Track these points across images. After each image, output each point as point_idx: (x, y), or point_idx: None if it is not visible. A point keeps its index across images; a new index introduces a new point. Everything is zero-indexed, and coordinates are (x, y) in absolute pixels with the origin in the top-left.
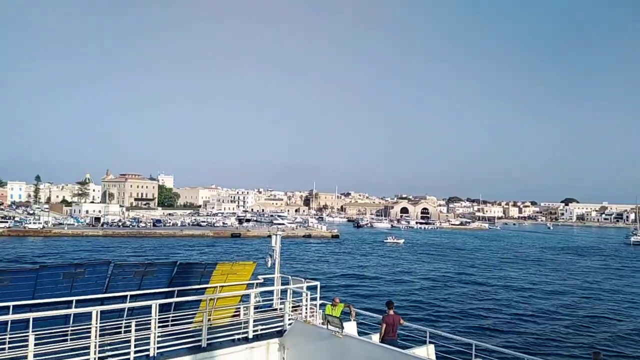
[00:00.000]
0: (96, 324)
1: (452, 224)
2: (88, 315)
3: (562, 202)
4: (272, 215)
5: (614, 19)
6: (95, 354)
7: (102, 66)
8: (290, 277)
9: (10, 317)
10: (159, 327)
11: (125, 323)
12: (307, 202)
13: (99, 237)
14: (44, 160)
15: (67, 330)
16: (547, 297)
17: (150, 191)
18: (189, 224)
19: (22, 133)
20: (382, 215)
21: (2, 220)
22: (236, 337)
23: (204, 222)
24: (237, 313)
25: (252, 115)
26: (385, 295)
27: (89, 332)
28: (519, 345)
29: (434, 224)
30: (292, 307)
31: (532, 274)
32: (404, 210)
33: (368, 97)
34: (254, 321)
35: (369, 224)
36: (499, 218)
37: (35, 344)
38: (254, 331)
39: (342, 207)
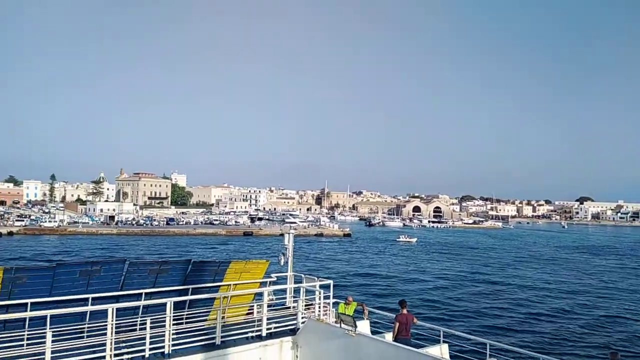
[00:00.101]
0: (112, 321)
1: (465, 223)
2: (104, 313)
3: (576, 200)
4: (284, 214)
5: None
6: (111, 350)
7: (112, 65)
8: (303, 275)
9: (28, 314)
10: (173, 324)
11: (141, 320)
12: (318, 200)
13: (113, 236)
14: (59, 159)
15: (84, 328)
16: (562, 296)
17: (163, 190)
18: (201, 222)
19: (38, 133)
20: (394, 214)
21: (19, 218)
22: (250, 335)
23: (217, 220)
24: (251, 311)
25: (264, 115)
26: (398, 294)
27: (105, 329)
28: (534, 345)
29: (446, 223)
30: (305, 305)
31: (546, 273)
32: (416, 209)
33: (380, 96)
34: (267, 319)
35: (381, 223)
36: (513, 217)
37: (53, 341)
38: (267, 329)
39: (353, 205)
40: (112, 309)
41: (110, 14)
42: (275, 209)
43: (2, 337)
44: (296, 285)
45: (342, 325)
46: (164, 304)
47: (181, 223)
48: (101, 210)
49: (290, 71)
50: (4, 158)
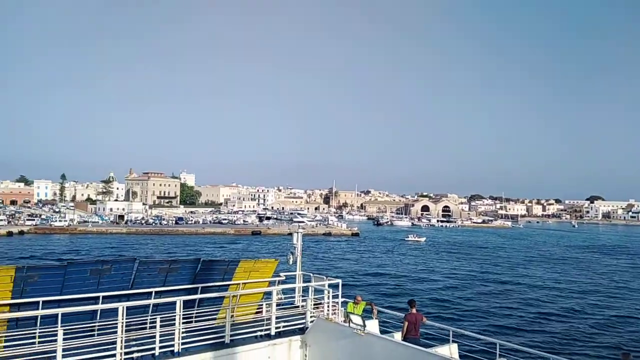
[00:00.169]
0: (122, 319)
1: (474, 222)
2: (114, 311)
3: (587, 199)
4: (292, 213)
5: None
6: (121, 349)
7: (118, 65)
8: (312, 274)
9: (39, 312)
10: (183, 323)
11: (150, 319)
12: (326, 200)
13: (123, 235)
14: (70, 159)
15: (94, 326)
16: (573, 296)
17: (172, 189)
18: (210, 221)
19: (48, 133)
20: (402, 214)
21: (29, 218)
22: (259, 333)
23: (225, 219)
24: (260, 310)
25: (272, 114)
26: (407, 294)
27: (115, 327)
28: (544, 345)
29: (455, 222)
30: (314, 304)
31: (556, 273)
32: (425, 208)
33: (388, 95)
34: (276, 318)
35: (389, 222)
36: (522, 216)
37: (64, 339)
38: (276, 328)
39: (362, 205)
40: (123, 307)
41: (116, 14)
42: (283, 208)
43: (15, 334)
44: (305, 285)
45: (351, 325)
46: (174, 303)
47: (190, 222)
48: (111, 209)
49: (297, 71)
50: (15, 158)
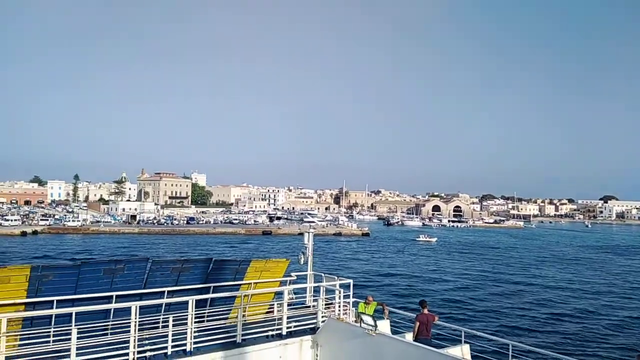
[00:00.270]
0: (135, 318)
1: (485, 222)
2: (127, 310)
3: (600, 199)
4: (302, 213)
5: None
6: (134, 348)
7: (129, 66)
8: (323, 274)
9: (54, 311)
10: (195, 322)
11: (163, 318)
12: (337, 200)
13: (135, 235)
14: (83, 159)
15: (108, 325)
16: (586, 296)
17: (184, 189)
18: (221, 221)
19: (61, 134)
20: (413, 213)
21: (43, 218)
22: (270, 333)
23: (236, 219)
24: (271, 310)
25: (283, 114)
26: (418, 294)
27: (128, 326)
28: (557, 347)
29: (467, 222)
30: (325, 304)
31: (569, 274)
32: (436, 208)
33: (397, 95)
34: (288, 318)
35: (400, 222)
36: (535, 216)
37: (78, 338)
38: (287, 328)
39: (372, 205)
40: (136, 306)
41: (124, 14)
42: (293, 208)
43: (30, 333)
44: (316, 284)
45: (362, 325)
46: (186, 302)
47: (201, 222)
48: (123, 209)
49: (310, 71)
50: (29, 158)
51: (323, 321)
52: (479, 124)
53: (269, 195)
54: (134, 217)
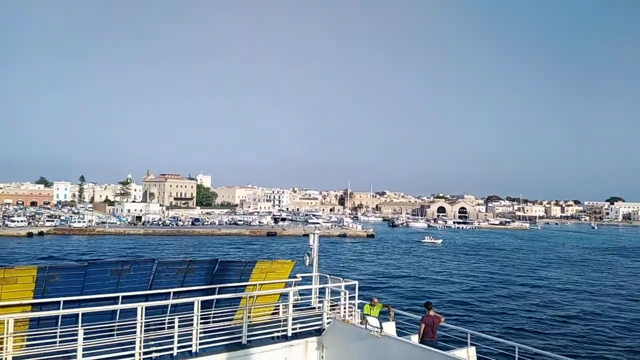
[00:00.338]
0: (141, 319)
1: (491, 224)
2: (133, 311)
3: (606, 201)
4: (307, 215)
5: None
6: (140, 349)
7: (132, 67)
8: (328, 276)
9: (61, 312)
10: (200, 323)
11: (169, 319)
12: (341, 201)
13: (140, 236)
14: (88, 160)
15: (114, 326)
16: (593, 298)
17: (189, 191)
18: (226, 222)
19: (66, 135)
20: (418, 215)
21: (49, 219)
22: (275, 335)
23: (241, 221)
24: (276, 311)
25: (287, 115)
26: (424, 296)
27: (135, 327)
28: (564, 349)
29: (472, 224)
30: (331, 306)
31: (576, 275)
32: (441, 209)
33: (401, 96)
34: (293, 319)
35: (405, 224)
36: (541, 217)
37: (84, 338)
38: (292, 329)
39: (377, 206)
40: (142, 307)
41: (124, 14)
42: (298, 209)
43: (36, 334)
44: (321, 286)
45: (368, 327)
46: (192, 303)
47: (206, 223)
48: (128, 210)
49: (309, 70)
50: (36, 160)
51: (328, 323)
52: (484, 124)
53: (274, 197)
54: (139, 218)
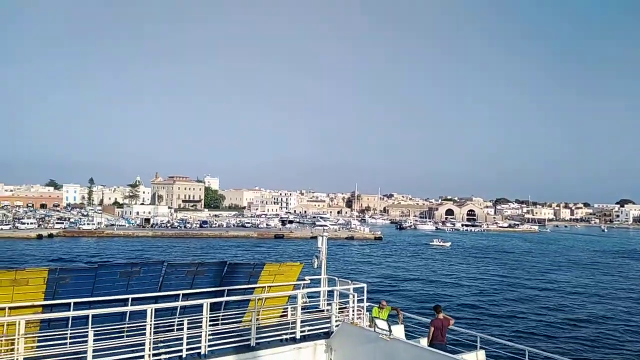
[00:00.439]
0: (151, 321)
1: (499, 226)
2: (143, 313)
3: (617, 203)
4: (314, 217)
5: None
6: (149, 350)
7: (140, 69)
8: (336, 278)
9: (71, 313)
10: (209, 325)
11: (178, 321)
12: (349, 203)
13: (149, 238)
14: (98, 161)
15: (124, 327)
16: (603, 302)
17: (197, 193)
18: (234, 225)
19: (77, 138)
20: (426, 217)
21: (59, 221)
22: (284, 337)
23: (249, 223)
24: (285, 313)
25: (294, 117)
26: (433, 299)
27: (144, 329)
28: (574, 353)
29: (480, 227)
30: (339, 308)
31: (586, 279)
32: (449, 212)
33: (408, 98)
34: (301, 322)
35: (413, 226)
36: (550, 220)
37: (94, 340)
38: (301, 332)
39: (384, 208)
40: (151, 309)
41: (139, 15)
42: (305, 211)
43: (47, 335)
44: (330, 288)
45: (377, 330)
46: (201, 305)
47: (214, 226)
48: (137, 213)
49: (316, 72)
50: (45, 162)
51: (337, 325)
52: (493, 127)
53: (281, 199)
54: (147, 220)
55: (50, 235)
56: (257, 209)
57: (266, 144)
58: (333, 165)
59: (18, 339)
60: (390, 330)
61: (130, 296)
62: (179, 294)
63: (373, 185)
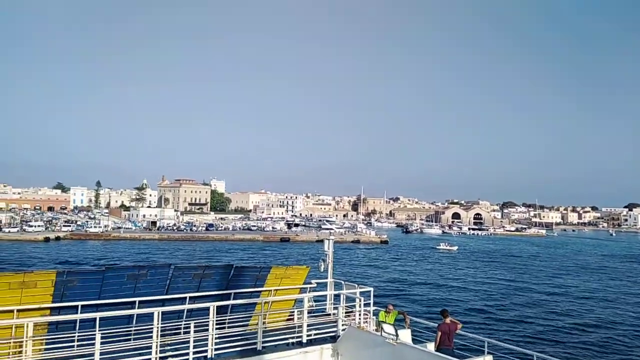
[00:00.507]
0: (157, 324)
1: (506, 230)
2: (150, 316)
3: (625, 207)
4: (320, 220)
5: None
6: (156, 353)
7: (147, 75)
8: (343, 282)
9: (78, 316)
10: (216, 328)
11: (185, 324)
12: (355, 206)
13: (155, 241)
14: (105, 163)
15: (131, 330)
16: (612, 307)
17: (203, 196)
18: (240, 228)
19: (84, 141)
20: (432, 221)
21: (66, 224)
22: (290, 341)
23: (254, 226)
24: (291, 317)
25: (300, 120)
26: (440, 303)
27: (151, 332)
28: (582, 358)
29: (487, 230)
30: (346, 312)
31: (594, 283)
32: (456, 215)
33: (414, 100)
34: (308, 326)
35: (419, 230)
36: (557, 224)
37: (101, 342)
38: (307, 336)
39: (390, 212)
40: (158, 312)
41: (155, 22)
42: (311, 215)
43: (55, 338)
44: (336, 292)
45: (383, 334)
46: (207, 308)
47: (220, 229)
48: (144, 216)
49: (317, 76)
50: (53, 165)
51: (343, 329)
52: (500, 131)
53: (287, 202)
54: (154, 223)
55: (58, 238)
56: (263, 212)
57: (272, 147)
58: (339, 169)
59: (26, 341)
60: (397, 335)
61: (137, 299)
62: (185, 297)
63: (379, 188)
